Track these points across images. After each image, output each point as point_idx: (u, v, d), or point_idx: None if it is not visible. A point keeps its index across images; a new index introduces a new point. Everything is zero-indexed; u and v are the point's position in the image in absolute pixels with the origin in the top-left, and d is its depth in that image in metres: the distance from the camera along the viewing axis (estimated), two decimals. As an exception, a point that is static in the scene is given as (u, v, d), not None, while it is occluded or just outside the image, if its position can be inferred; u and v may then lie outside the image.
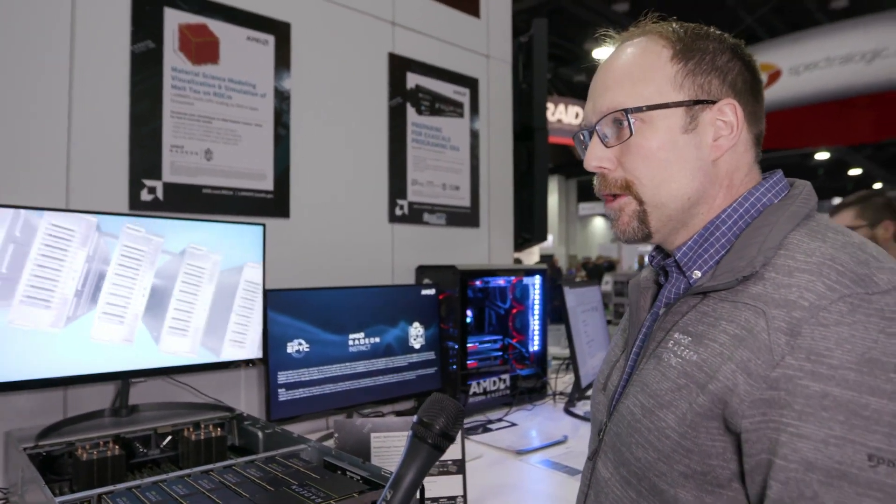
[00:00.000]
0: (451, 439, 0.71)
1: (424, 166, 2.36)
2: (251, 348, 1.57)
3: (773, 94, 8.66)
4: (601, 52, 0.91)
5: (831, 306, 0.60)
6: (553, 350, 2.91)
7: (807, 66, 8.54)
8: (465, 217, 2.52)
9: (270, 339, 1.63)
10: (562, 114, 12.73)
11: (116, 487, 1.03)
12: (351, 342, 1.83)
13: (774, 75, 8.79)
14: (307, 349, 1.72)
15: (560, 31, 10.16)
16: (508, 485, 1.48)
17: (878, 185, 18.01)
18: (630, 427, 0.75)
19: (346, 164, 2.11)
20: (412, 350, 2.00)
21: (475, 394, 2.10)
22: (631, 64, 0.79)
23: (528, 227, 2.83)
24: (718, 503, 0.66)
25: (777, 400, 0.60)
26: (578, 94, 13.08)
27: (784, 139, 9.59)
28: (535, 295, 2.38)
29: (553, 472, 1.56)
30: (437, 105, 2.41)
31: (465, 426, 1.90)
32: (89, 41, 1.54)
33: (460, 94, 2.51)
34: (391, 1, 2.26)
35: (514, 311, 2.38)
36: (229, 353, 1.52)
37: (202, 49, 1.74)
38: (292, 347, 1.69)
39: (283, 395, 1.66)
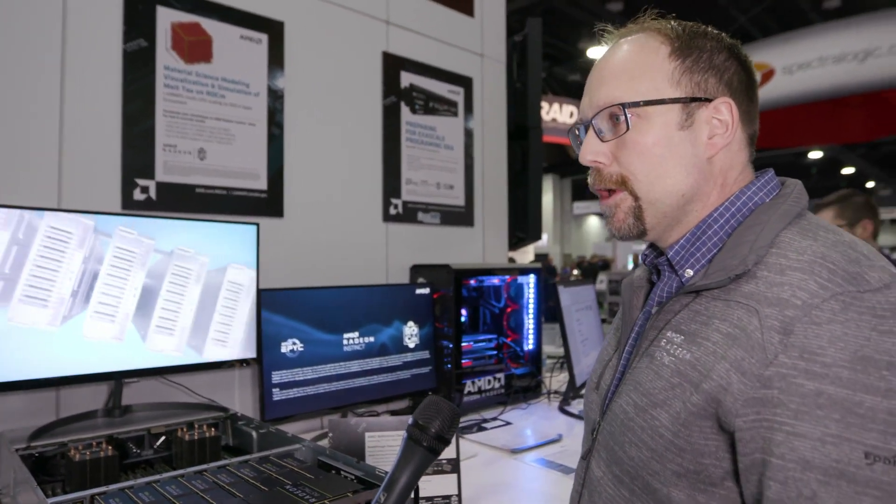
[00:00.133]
0: (447, 442, 0.71)
1: (419, 165, 2.36)
2: (234, 348, 1.56)
3: (767, 93, 8.69)
4: (597, 51, 0.92)
5: (824, 304, 0.61)
6: (548, 349, 2.91)
7: (800, 65, 8.57)
8: (460, 216, 2.52)
9: (264, 339, 1.63)
10: (556, 113, 12.73)
11: (109, 488, 1.03)
12: (345, 342, 1.83)
13: (768, 74, 8.82)
14: (301, 349, 1.71)
15: (554, 30, 10.17)
16: (503, 483, 1.48)
17: (871, 184, 18.12)
18: (623, 426, 0.75)
19: (341, 164, 2.10)
20: (407, 349, 2.00)
21: (470, 393, 2.10)
22: (629, 59, 0.79)
23: (523, 226, 2.84)
24: (711, 502, 0.66)
25: (771, 398, 0.60)
26: (573, 93, 13.09)
27: (777, 138, 9.63)
28: (530, 294, 2.38)
29: (548, 470, 1.56)
30: (431, 104, 2.41)
31: (460, 425, 1.90)
32: (81, 40, 1.53)
33: (454, 93, 2.51)
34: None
35: (509, 310, 2.38)
36: (212, 352, 1.51)
37: (195, 48, 1.73)
38: (286, 347, 1.68)
39: (278, 394, 1.65)
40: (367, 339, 1.89)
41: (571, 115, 12.72)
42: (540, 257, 13.58)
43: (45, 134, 1.47)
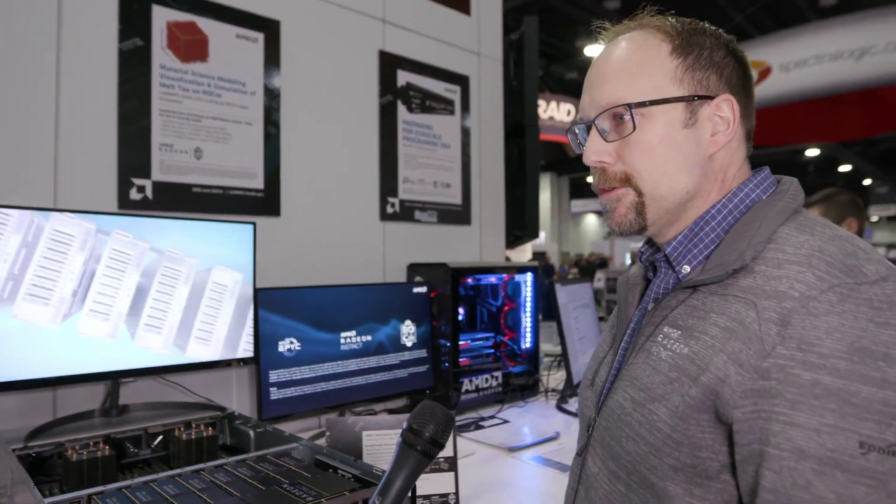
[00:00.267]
0: (441, 446, 0.72)
1: (416, 164, 2.35)
2: (216, 347, 1.55)
3: (764, 90, 8.70)
4: (594, 49, 0.91)
5: (821, 296, 0.61)
6: (545, 347, 2.91)
7: (797, 63, 8.59)
8: (457, 215, 2.52)
9: (262, 338, 1.63)
10: (553, 111, 12.74)
11: (107, 488, 1.03)
12: (343, 340, 1.83)
13: (765, 72, 8.83)
14: (298, 348, 1.71)
15: (551, 28, 10.17)
16: (501, 481, 1.49)
17: (867, 182, 18.17)
18: (620, 421, 0.75)
19: (337, 163, 2.10)
20: (404, 348, 2.00)
21: (467, 391, 2.10)
22: (629, 57, 0.78)
23: (520, 224, 2.84)
24: (707, 495, 0.67)
25: (768, 389, 0.60)
26: (570, 91, 13.10)
27: (774, 136, 9.64)
28: (527, 292, 2.38)
29: (545, 468, 1.56)
30: (428, 103, 2.41)
31: (458, 423, 1.90)
32: (76, 39, 1.52)
33: (451, 92, 2.51)
34: (381, -2, 2.26)
35: (506, 308, 2.38)
36: (195, 351, 1.50)
37: (191, 47, 1.72)
38: (284, 346, 1.68)
39: (275, 393, 1.65)
40: (364, 338, 1.89)
41: (569, 113, 12.73)
42: (538, 255, 13.59)
43: (42, 133, 1.47)
